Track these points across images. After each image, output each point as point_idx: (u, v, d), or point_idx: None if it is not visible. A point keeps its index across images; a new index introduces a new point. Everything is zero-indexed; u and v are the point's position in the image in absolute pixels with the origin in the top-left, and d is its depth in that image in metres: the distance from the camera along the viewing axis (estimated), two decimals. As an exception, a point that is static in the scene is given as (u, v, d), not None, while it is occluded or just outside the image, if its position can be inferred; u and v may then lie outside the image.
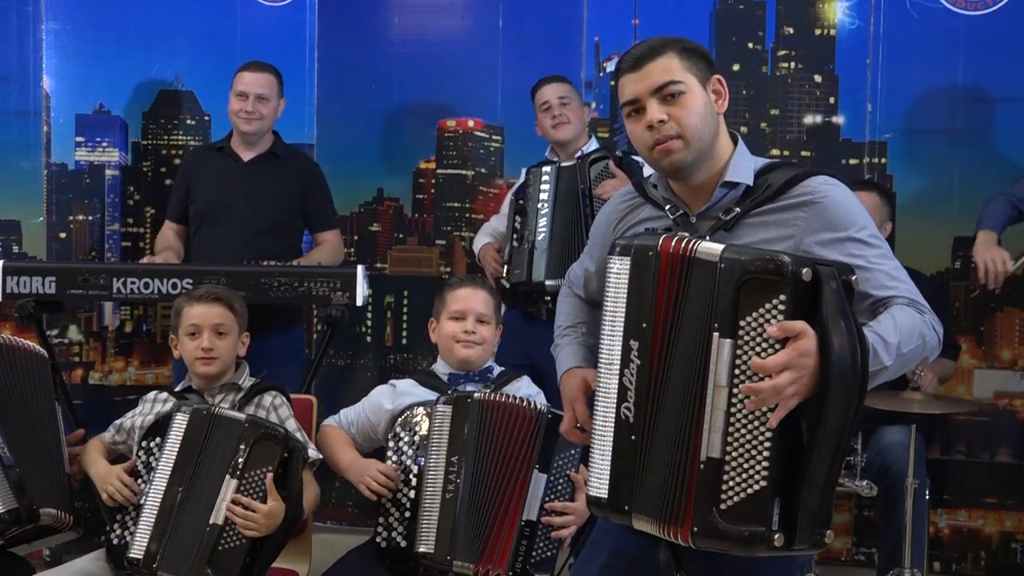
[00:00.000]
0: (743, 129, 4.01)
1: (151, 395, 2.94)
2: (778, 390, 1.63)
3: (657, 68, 1.90)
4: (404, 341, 4.39)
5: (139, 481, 2.71)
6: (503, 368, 2.98)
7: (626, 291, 1.81)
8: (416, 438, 2.73)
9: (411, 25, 4.34)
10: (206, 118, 4.34)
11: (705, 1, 4.08)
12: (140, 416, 2.88)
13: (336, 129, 4.37)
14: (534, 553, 2.64)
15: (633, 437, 1.79)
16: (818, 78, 4.01)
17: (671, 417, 1.76)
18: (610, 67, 4.16)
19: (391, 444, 2.77)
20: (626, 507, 1.80)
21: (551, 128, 3.72)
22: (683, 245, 1.77)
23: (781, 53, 4.04)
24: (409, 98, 4.34)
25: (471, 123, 4.32)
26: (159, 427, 2.73)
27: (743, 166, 1.95)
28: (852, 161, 3.98)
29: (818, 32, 4.00)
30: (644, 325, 1.79)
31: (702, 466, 1.71)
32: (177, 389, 2.92)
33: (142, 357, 4.31)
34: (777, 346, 1.65)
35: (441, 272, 4.36)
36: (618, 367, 1.81)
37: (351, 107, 4.36)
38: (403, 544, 2.67)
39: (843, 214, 1.89)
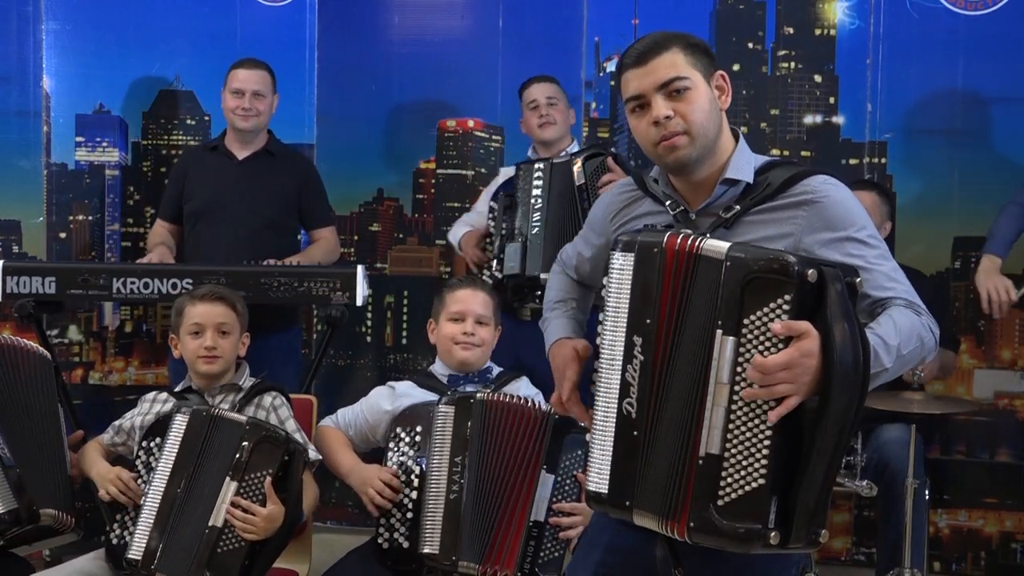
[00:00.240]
0: (743, 129, 3.99)
1: (150, 395, 2.94)
2: (776, 387, 1.64)
3: (663, 64, 1.89)
4: (404, 341, 4.39)
5: (139, 481, 2.71)
6: (502, 369, 2.98)
7: (629, 287, 1.81)
8: (417, 439, 2.73)
9: (411, 25, 4.34)
10: (206, 118, 4.34)
11: (705, 1, 4.08)
12: (140, 416, 2.88)
13: (336, 129, 4.37)
14: (542, 554, 2.64)
15: (635, 433, 1.79)
16: (818, 78, 4.01)
17: (673, 413, 1.76)
18: (610, 67, 4.16)
19: (391, 445, 2.77)
20: (627, 502, 1.80)
21: (537, 127, 3.73)
22: (688, 242, 1.77)
23: (781, 53, 4.04)
24: (409, 98, 4.34)
25: (471, 123, 4.32)
26: (159, 427, 2.73)
27: (744, 163, 1.95)
28: (852, 161, 3.99)
29: (818, 32, 4.00)
30: (648, 321, 1.79)
31: (701, 462, 1.71)
32: (177, 389, 2.92)
33: (142, 357, 4.32)
34: (780, 345, 1.65)
35: (441, 272, 4.36)
36: (620, 362, 1.81)
37: (351, 107, 4.36)
38: (406, 545, 2.67)
39: (843, 214, 1.89)
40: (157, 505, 2.60)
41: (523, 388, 2.92)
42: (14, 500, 2.68)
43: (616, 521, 1.92)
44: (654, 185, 2.04)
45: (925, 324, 1.87)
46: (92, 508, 3.00)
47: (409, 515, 2.69)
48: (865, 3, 3.94)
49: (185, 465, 2.61)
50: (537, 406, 2.69)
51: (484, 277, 3.60)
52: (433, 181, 4.37)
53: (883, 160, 3.97)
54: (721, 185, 1.94)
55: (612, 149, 3.74)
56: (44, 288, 3.49)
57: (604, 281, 1.86)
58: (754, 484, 1.67)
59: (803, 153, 4.03)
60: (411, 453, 2.73)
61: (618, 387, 1.81)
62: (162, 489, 2.61)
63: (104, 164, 4.32)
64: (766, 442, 1.67)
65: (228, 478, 2.57)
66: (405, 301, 4.39)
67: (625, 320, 1.81)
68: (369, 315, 4.37)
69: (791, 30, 4.03)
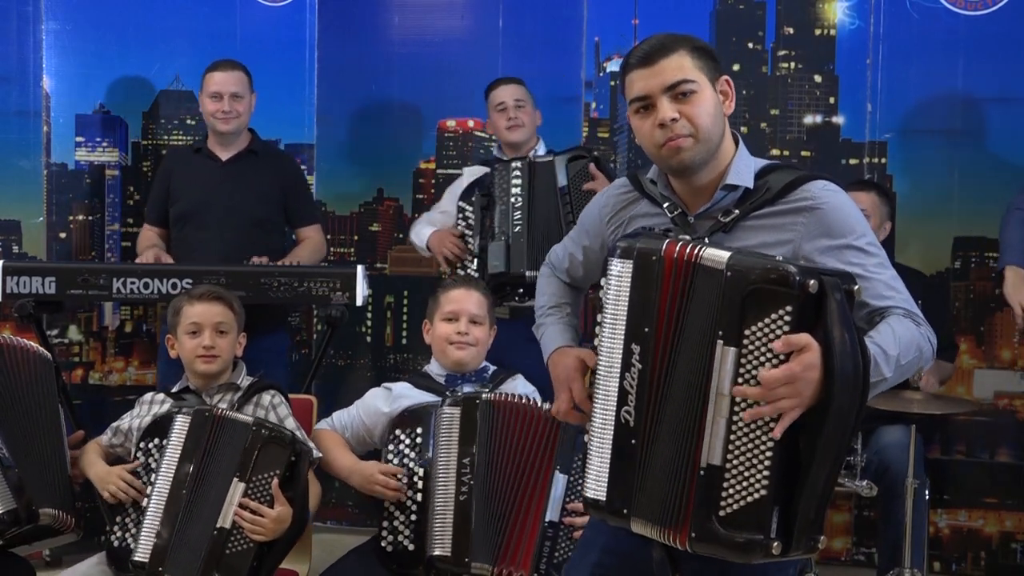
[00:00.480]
0: (743, 129, 4.00)
1: (147, 396, 2.94)
2: (777, 401, 1.64)
3: (670, 66, 1.88)
4: (404, 341, 4.39)
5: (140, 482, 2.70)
6: (496, 368, 2.98)
7: (628, 294, 1.80)
8: (418, 440, 2.72)
9: (411, 25, 4.34)
10: (206, 118, 4.34)
11: (705, 1, 4.08)
12: (138, 418, 2.87)
13: (336, 129, 4.37)
14: (556, 554, 2.63)
15: (633, 441, 1.79)
16: (818, 78, 4.01)
17: (672, 422, 1.76)
18: (610, 67, 4.16)
19: (390, 447, 2.76)
20: (624, 510, 1.80)
21: (505, 129, 3.72)
22: (688, 250, 1.76)
23: (781, 53, 4.04)
24: (409, 98, 4.33)
25: (471, 123, 4.32)
26: (157, 428, 2.73)
27: (744, 168, 1.94)
28: (852, 161, 3.98)
29: (818, 32, 4.00)
30: (646, 329, 1.78)
31: (702, 472, 1.71)
32: (174, 390, 2.91)
33: (142, 357, 4.31)
34: (782, 356, 1.65)
35: (441, 272, 4.35)
36: (619, 370, 1.80)
37: (351, 107, 4.36)
38: (411, 547, 2.66)
39: (842, 221, 1.89)
40: (162, 507, 2.60)
41: (520, 386, 2.92)
42: (13, 500, 2.68)
43: None
44: (652, 186, 2.02)
45: (924, 335, 1.87)
46: (92, 508, 2.99)
47: (413, 517, 2.68)
48: (865, 3, 3.94)
49: (189, 466, 2.61)
50: (547, 406, 2.68)
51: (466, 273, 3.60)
52: (433, 181, 4.37)
53: (883, 160, 3.97)
54: (721, 190, 1.93)
55: (595, 152, 3.72)
56: (44, 288, 3.49)
57: (602, 287, 1.85)
58: (756, 495, 1.67)
59: (803, 153, 4.03)
60: (412, 455, 2.72)
61: (616, 395, 1.81)
62: (167, 491, 2.61)
63: (104, 164, 4.32)
64: (768, 453, 1.66)
65: (236, 479, 2.57)
66: (405, 301, 4.38)
67: (623, 328, 1.80)
68: (369, 315, 4.37)
69: (791, 30, 4.03)
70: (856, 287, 1.73)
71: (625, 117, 2.05)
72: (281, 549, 2.63)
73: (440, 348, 2.93)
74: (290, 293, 3.50)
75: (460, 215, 3.70)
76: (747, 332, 1.68)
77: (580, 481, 2.62)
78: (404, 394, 2.88)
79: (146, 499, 2.65)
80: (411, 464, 2.72)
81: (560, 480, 2.64)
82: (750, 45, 4.06)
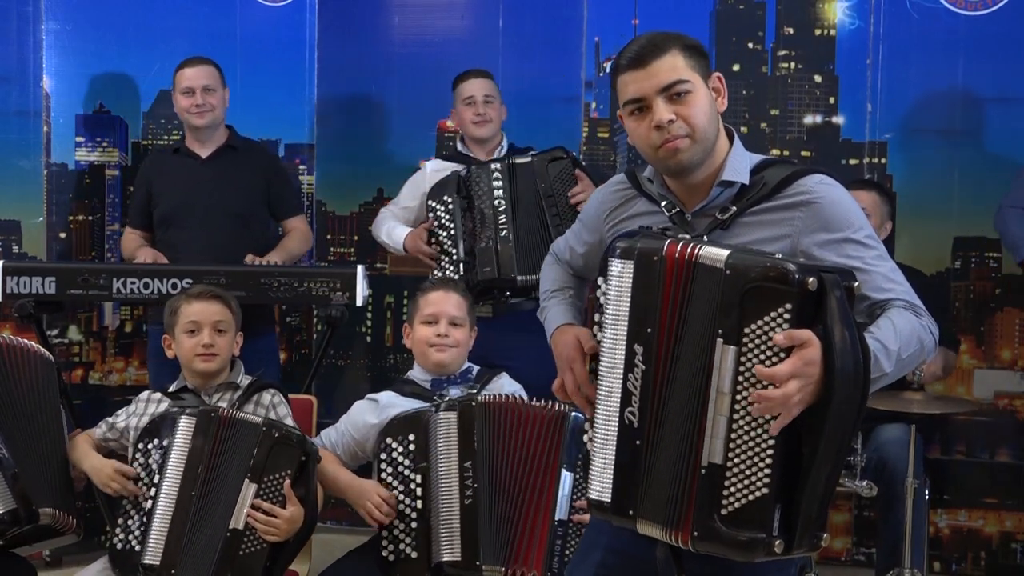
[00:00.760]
0: (743, 129, 4.00)
1: (144, 395, 2.93)
2: (785, 399, 1.63)
3: (664, 66, 1.86)
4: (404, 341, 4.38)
5: (139, 484, 2.69)
6: (480, 368, 2.97)
7: (629, 295, 1.80)
8: (412, 448, 2.71)
9: (411, 25, 4.34)
10: (206, 118, 4.33)
11: (705, 1, 4.08)
12: (135, 417, 2.86)
13: (336, 129, 4.37)
14: (567, 552, 2.62)
15: (638, 442, 1.78)
16: (818, 78, 4.01)
17: (675, 422, 1.75)
18: (610, 67, 4.16)
19: (383, 455, 2.73)
20: (630, 511, 1.80)
21: (471, 124, 3.68)
22: (688, 249, 1.75)
23: (781, 53, 4.04)
24: (409, 98, 4.33)
25: (471, 123, 4.30)
26: (156, 428, 2.72)
27: (739, 164, 1.94)
28: (852, 161, 3.98)
29: (818, 32, 4.00)
30: (649, 330, 1.77)
31: (703, 471, 1.70)
32: (172, 389, 2.90)
33: (142, 357, 4.30)
34: (782, 354, 1.64)
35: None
36: (621, 371, 1.80)
37: (351, 107, 4.36)
38: (414, 555, 2.66)
39: (840, 214, 1.88)
40: (171, 508, 2.59)
41: (505, 385, 2.92)
42: (13, 500, 2.68)
43: None
44: (648, 185, 2.02)
45: (925, 326, 1.86)
46: (92, 508, 3.00)
47: (413, 524, 2.67)
48: (865, 3, 3.94)
49: (197, 467, 2.61)
50: (552, 406, 2.67)
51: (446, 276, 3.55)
52: (433, 181, 4.36)
53: (883, 160, 3.97)
54: (718, 187, 1.93)
55: (575, 153, 3.70)
56: (44, 288, 3.49)
57: (602, 287, 1.85)
58: (758, 493, 1.67)
59: (803, 153, 4.03)
60: (406, 462, 2.71)
61: (619, 395, 1.80)
62: (175, 492, 2.60)
63: (104, 164, 4.32)
64: (769, 451, 1.66)
65: (247, 480, 2.57)
66: (405, 301, 4.38)
67: (625, 328, 1.79)
68: (369, 315, 4.37)
69: (791, 30, 4.03)
70: (856, 283, 1.72)
71: (625, 117, 2.04)
72: (292, 549, 2.63)
73: (421, 351, 2.91)
74: (290, 293, 3.50)
75: (431, 214, 3.61)
76: (747, 330, 1.67)
77: (585, 478, 2.63)
78: (391, 403, 2.85)
79: (149, 500, 2.64)
80: (406, 472, 2.70)
81: (567, 478, 2.63)
82: (750, 45, 4.06)
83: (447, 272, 3.53)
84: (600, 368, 1.83)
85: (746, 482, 1.67)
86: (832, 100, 4.00)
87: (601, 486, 1.82)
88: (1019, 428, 3.88)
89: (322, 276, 3.54)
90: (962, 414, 3.77)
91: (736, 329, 1.68)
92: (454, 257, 3.54)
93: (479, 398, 2.69)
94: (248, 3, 4.32)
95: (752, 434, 1.67)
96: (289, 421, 2.82)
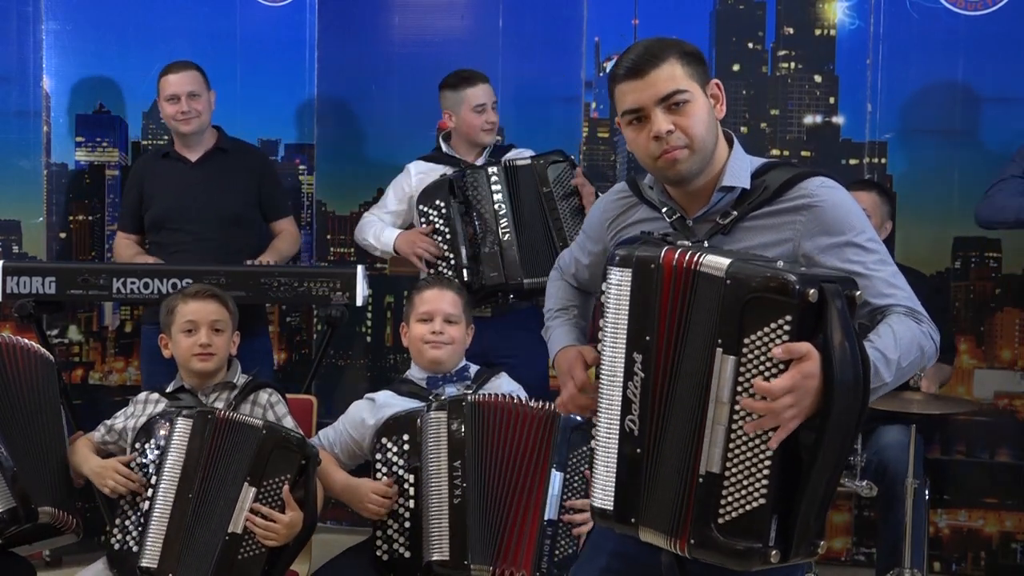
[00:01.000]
0: (743, 129, 4.00)
1: (142, 396, 2.92)
2: (781, 412, 1.63)
3: (662, 76, 1.85)
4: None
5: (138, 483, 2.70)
6: (479, 367, 2.97)
7: (628, 303, 1.79)
8: (406, 447, 2.71)
9: (411, 25, 4.33)
10: (206, 118, 4.33)
11: (705, 1, 4.08)
12: (132, 418, 2.86)
13: (336, 129, 4.36)
14: (557, 552, 2.63)
15: (639, 450, 1.78)
16: (818, 78, 4.01)
17: (676, 431, 1.75)
18: (610, 67, 4.15)
19: (378, 455, 2.74)
20: (632, 519, 1.80)
21: (481, 131, 3.65)
22: (687, 257, 1.75)
23: (781, 53, 4.04)
24: (409, 98, 4.33)
25: (471, 123, 4.30)
26: (153, 428, 2.71)
27: (739, 169, 1.93)
28: (852, 161, 3.98)
29: (818, 32, 4.00)
30: (648, 338, 1.77)
31: (701, 480, 1.70)
32: (169, 389, 2.90)
33: (142, 357, 4.31)
34: (781, 366, 1.64)
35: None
36: (621, 379, 1.79)
37: (351, 107, 4.36)
38: (407, 555, 2.66)
39: (841, 218, 1.87)
40: (169, 511, 2.58)
41: (504, 384, 2.92)
42: (12, 499, 2.68)
43: None
44: (649, 192, 2.02)
45: (926, 332, 1.85)
46: (92, 508, 3.00)
47: (407, 524, 2.68)
48: (865, 3, 3.94)
49: (195, 470, 2.60)
50: (543, 406, 2.68)
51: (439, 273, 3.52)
52: (433, 181, 4.36)
53: (883, 160, 3.96)
54: (718, 192, 1.92)
55: (572, 156, 3.69)
56: (44, 288, 3.49)
57: (603, 295, 1.84)
58: (755, 503, 1.67)
59: (803, 153, 4.03)
60: (400, 462, 2.71)
61: (620, 404, 1.80)
62: (172, 494, 2.59)
63: (104, 164, 4.32)
64: (767, 461, 1.66)
65: (246, 484, 2.56)
66: (405, 301, 4.37)
67: (624, 337, 1.79)
68: (369, 315, 4.37)
69: (791, 30, 4.03)
70: (857, 292, 1.71)
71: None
72: (291, 553, 2.62)
73: (417, 349, 2.92)
74: (290, 293, 3.50)
75: (423, 219, 3.56)
76: (746, 341, 1.66)
77: (577, 478, 2.64)
78: (388, 403, 2.85)
79: (147, 501, 2.63)
80: (400, 471, 2.71)
81: (556, 478, 2.63)
82: (750, 45, 4.06)
83: (446, 275, 3.52)
84: (600, 376, 1.83)
85: (743, 492, 1.67)
86: (832, 100, 4.00)
87: (603, 494, 1.82)
88: (1019, 428, 3.88)
89: (322, 276, 3.55)
90: (962, 414, 3.77)
91: (736, 339, 1.67)
92: (452, 262, 3.52)
93: (470, 397, 2.69)
94: (248, 3, 4.32)
95: (750, 444, 1.67)
96: (287, 421, 2.82)
